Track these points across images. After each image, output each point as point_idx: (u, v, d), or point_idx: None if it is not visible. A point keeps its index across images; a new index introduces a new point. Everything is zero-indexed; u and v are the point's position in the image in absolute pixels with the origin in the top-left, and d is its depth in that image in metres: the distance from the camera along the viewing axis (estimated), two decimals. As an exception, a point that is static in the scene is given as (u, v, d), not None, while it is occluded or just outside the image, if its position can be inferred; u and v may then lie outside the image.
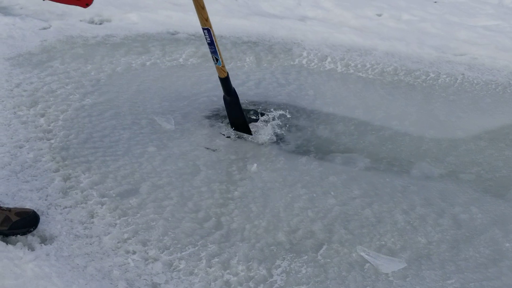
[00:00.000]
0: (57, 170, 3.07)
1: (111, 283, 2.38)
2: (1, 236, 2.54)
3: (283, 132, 3.67)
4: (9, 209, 2.59)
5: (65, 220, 2.71)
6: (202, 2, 3.03)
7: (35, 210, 2.67)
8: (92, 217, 2.76)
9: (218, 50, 3.20)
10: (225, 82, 3.37)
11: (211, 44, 3.16)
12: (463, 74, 4.85)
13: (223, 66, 3.26)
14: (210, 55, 4.84)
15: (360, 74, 4.74)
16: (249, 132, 3.43)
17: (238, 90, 4.24)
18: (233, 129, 3.50)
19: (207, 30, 3.11)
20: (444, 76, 4.78)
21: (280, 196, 3.03)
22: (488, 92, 4.56)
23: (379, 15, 6.39)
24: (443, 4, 7.03)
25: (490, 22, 6.34)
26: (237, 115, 3.46)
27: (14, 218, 2.56)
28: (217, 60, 3.22)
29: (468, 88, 4.61)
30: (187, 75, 4.45)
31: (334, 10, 6.37)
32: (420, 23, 6.13)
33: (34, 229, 2.61)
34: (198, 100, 4.04)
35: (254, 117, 3.74)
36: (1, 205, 2.63)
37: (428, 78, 4.73)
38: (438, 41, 5.59)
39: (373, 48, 5.29)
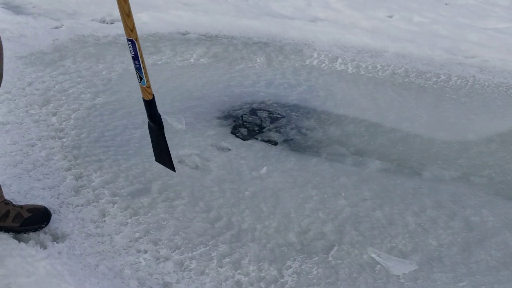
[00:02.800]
0: (69, 169, 3.09)
1: (123, 282, 2.39)
2: (14, 233, 2.56)
3: (293, 133, 3.68)
4: (20, 206, 2.60)
5: (77, 218, 2.72)
6: (127, 9, 2.56)
7: (47, 207, 2.69)
8: (104, 216, 2.77)
9: (144, 66, 2.71)
10: (149, 105, 2.83)
11: (136, 58, 2.68)
12: (474, 76, 4.83)
13: (148, 87, 2.76)
14: (221, 55, 4.86)
15: (371, 75, 4.73)
16: (172, 167, 2.91)
17: (249, 91, 4.26)
18: (158, 161, 2.97)
19: (132, 42, 2.63)
20: (455, 78, 4.77)
21: (290, 197, 3.03)
22: (499, 95, 4.54)
23: (390, 17, 6.38)
24: (454, 6, 7.01)
25: (501, 24, 6.32)
26: (161, 146, 2.92)
27: (26, 215, 2.58)
28: (141, 78, 2.73)
29: (479, 90, 4.60)
30: (198, 75, 4.45)
31: (345, 11, 6.36)
32: (431, 25, 6.12)
33: (45, 225, 2.63)
34: (209, 100, 4.05)
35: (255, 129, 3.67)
36: (13, 203, 2.64)
37: (439, 80, 4.72)
38: (449, 43, 5.58)
39: (384, 49, 5.29)
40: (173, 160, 3.27)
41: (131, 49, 2.67)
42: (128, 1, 2.59)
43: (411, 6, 6.81)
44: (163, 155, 2.91)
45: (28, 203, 2.74)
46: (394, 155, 3.54)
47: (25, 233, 2.58)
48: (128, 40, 2.64)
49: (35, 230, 2.60)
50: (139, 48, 2.67)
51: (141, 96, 2.71)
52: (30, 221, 2.58)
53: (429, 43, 5.52)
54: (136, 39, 2.64)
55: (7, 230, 2.57)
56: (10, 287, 2.24)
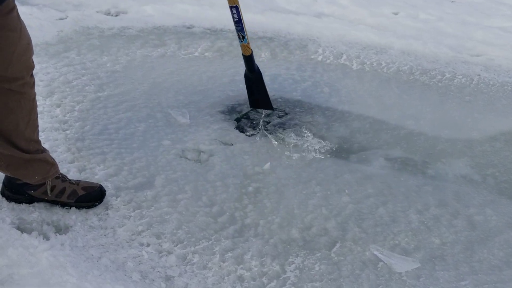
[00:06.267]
0: (72, 161, 3.09)
1: (125, 275, 2.39)
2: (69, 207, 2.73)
3: (297, 128, 3.67)
4: (77, 183, 2.73)
5: (80, 211, 2.72)
6: None
7: (102, 185, 2.81)
8: (107, 209, 2.77)
9: (245, 27, 3.24)
10: (250, 59, 3.39)
11: (239, 22, 3.20)
12: (479, 75, 4.81)
13: (249, 44, 3.30)
14: (225, 49, 4.84)
15: (376, 72, 4.72)
16: (271, 107, 3.44)
17: (254, 86, 4.24)
18: (252, 107, 3.51)
19: (235, 8, 3.14)
20: (460, 76, 4.75)
21: (294, 193, 3.03)
22: (504, 94, 4.52)
23: (396, 14, 6.35)
24: (460, 4, 6.98)
25: (507, 23, 6.29)
26: (261, 91, 3.47)
27: (81, 192, 2.71)
28: (243, 38, 3.28)
29: (484, 89, 4.58)
30: (202, 69, 4.45)
31: (350, 8, 6.34)
32: (437, 22, 6.09)
33: (99, 203, 2.76)
34: (213, 94, 4.04)
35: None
36: (70, 179, 2.76)
37: (444, 78, 4.70)
38: (455, 41, 5.55)
39: (389, 46, 5.27)
40: (176, 154, 3.28)
41: (235, 14, 3.21)
42: None
43: (417, 3, 6.78)
44: (260, 99, 3.46)
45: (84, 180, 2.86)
46: (398, 152, 3.53)
47: (78, 208, 2.72)
48: (232, 7, 3.17)
49: (89, 207, 2.73)
50: (241, 12, 3.19)
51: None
52: (84, 198, 2.72)
53: (435, 41, 5.50)
54: (239, 4, 3.18)
55: (62, 205, 2.71)
56: (12, 278, 2.25)
